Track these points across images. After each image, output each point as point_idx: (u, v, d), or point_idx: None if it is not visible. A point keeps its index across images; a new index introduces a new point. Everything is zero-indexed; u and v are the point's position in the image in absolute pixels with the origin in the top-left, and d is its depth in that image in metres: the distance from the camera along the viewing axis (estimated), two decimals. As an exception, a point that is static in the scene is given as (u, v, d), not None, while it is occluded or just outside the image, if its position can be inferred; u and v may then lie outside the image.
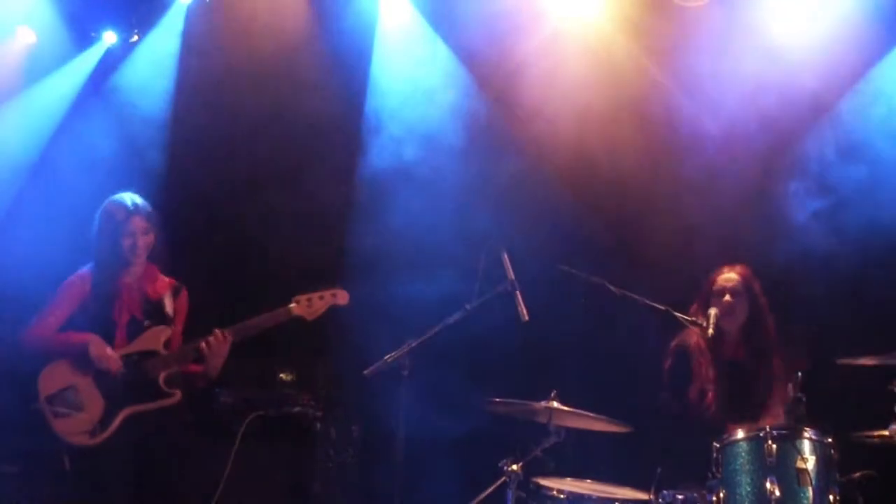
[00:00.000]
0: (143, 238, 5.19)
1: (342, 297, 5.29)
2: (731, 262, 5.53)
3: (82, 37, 7.63)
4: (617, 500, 4.66)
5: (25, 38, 7.47)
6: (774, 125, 6.33)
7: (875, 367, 4.82)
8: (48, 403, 4.98)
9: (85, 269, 5.26)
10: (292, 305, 5.22)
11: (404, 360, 4.80)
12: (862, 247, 6.03)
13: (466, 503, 4.91)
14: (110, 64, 7.63)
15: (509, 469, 4.67)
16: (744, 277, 5.39)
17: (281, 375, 6.71)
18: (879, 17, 6.20)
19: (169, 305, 5.29)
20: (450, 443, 6.40)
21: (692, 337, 5.32)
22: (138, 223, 5.18)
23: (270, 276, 6.92)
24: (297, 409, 6.43)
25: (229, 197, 7.32)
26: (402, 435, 4.83)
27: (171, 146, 7.42)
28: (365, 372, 4.83)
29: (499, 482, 4.74)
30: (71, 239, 6.65)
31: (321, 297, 5.25)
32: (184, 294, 5.38)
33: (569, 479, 4.93)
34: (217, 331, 5.11)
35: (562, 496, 4.65)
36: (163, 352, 5.13)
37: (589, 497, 4.67)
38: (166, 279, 5.37)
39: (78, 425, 4.97)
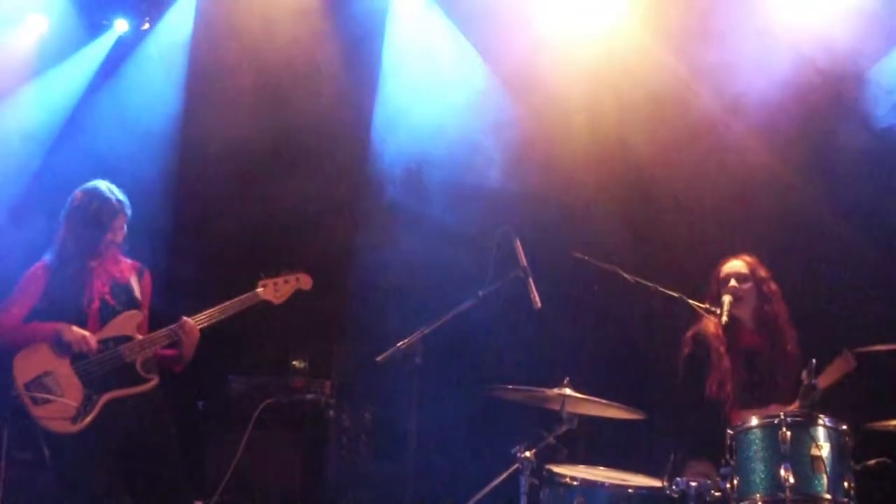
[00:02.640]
0: (121, 233, 5.15)
1: (305, 282, 5.32)
2: (745, 249, 5.50)
3: (94, 24, 7.64)
4: (630, 487, 4.62)
5: (37, 26, 7.48)
6: (791, 112, 6.28)
7: (889, 354, 4.80)
8: (26, 390, 4.82)
9: (44, 259, 5.13)
10: (259, 290, 5.22)
11: (417, 346, 4.78)
12: (881, 235, 5.99)
13: (479, 490, 4.90)
14: (122, 52, 7.64)
15: (522, 456, 4.64)
16: (748, 264, 5.35)
17: (294, 363, 6.73)
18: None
19: (136, 288, 5.21)
20: (462, 430, 6.40)
21: (709, 326, 5.26)
22: (122, 220, 5.15)
23: (279, 267, 6.93)
24: (309, 396, 6.46)
25: (238, 185, 7.32)
26: (415, 422, 4.83)
27: (181, 134, 7.42)
28: (377, 359, 4.81)
29: (511, 469, 4.72)
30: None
31: (286, 281, 5.27)
32: (147, 275, 5.29)
33: (582, 466, 4.91)
34: (186, 319, 5.05)
35: (575, 483, 4.62)
36: (137, 336, 5.05)
37: (602, 484, 4.64)
38: (128, 261, 5.28)
39: (58, 411, 4.83)
